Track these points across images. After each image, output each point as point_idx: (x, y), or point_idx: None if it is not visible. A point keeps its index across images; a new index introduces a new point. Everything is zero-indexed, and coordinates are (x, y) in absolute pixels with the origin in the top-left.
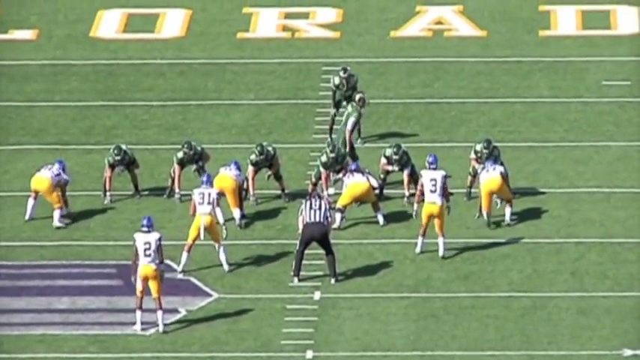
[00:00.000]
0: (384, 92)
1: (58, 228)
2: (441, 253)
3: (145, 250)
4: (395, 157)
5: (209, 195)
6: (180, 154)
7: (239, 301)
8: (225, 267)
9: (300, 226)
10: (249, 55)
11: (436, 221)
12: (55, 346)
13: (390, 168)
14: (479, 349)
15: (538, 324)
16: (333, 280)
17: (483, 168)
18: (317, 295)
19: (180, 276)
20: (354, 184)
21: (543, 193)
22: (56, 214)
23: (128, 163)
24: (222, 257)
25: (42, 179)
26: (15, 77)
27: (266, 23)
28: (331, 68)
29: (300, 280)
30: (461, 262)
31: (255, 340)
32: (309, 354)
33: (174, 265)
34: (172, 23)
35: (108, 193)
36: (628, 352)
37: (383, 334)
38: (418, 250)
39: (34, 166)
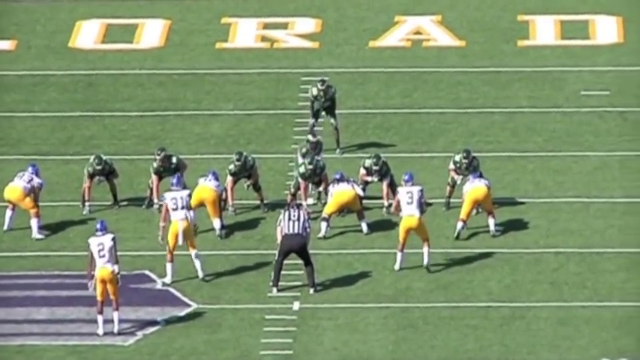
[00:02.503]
0: (362, 102)
1: (38, 240)
2: (425, 261)
3: (99, 251)
4: (375, 167)
5: (182, 198)
6: (155, 164)
7: (218, 311)
8: (200, 274)
9: (279, 237)
10: (228, 65)
11: (419, 234)
12: (34, 356)
13: (369, 179)
14: (458, 359)
15: (517, 334)
16: (312, 291)
17: (465, 178)
18: (296, 306)
19: (159, 286)
20: (340, 192)
21: (522, 203)
22: (34, 224)
23: (108, 172)
24: (197, 264)
25: (14, 189)
26: None
27: (245, 33)
28: (310, 78)
29: (279, 291)
30: (440, 272)
31: (234, 350)
32: None
33: (153, 276)
34: (151, 33)
35: (87, 204)
36: None
37: (362, 344)
38: (397, 267)
39: (12, 177)
